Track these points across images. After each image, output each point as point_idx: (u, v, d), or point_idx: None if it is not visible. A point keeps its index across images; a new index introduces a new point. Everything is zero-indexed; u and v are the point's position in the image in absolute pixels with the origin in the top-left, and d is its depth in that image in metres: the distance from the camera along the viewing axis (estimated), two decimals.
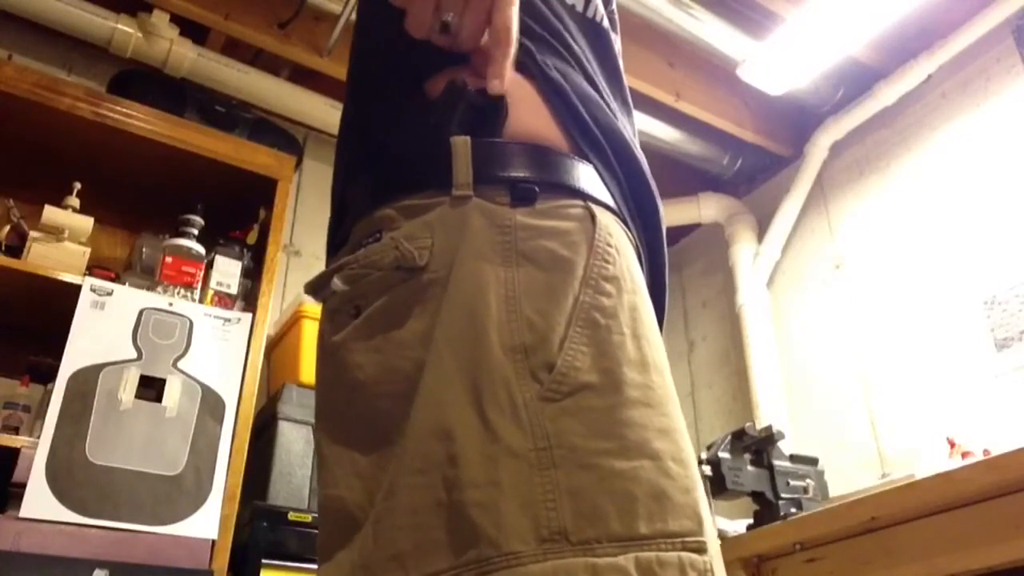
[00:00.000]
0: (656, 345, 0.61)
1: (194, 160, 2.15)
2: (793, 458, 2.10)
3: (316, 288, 0.66)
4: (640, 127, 2.84)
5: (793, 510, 1.96)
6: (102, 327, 1.84)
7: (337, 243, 0.71)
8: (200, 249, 2.10)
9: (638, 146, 0.74)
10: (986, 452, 1.82)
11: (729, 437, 2.05)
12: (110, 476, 1.70)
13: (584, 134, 0.68)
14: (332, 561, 0.58)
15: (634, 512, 0.51)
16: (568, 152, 0.66)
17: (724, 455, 2.00)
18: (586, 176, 0.65)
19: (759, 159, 3.15)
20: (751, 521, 2.02)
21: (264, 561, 1.79)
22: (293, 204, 2.80)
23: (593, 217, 0.63)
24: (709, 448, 2.04)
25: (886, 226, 2.65)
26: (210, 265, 2.11)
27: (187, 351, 1.90)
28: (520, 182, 0.62)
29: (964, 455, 1.95)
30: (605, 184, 0.67)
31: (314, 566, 1.47)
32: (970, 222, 2.39)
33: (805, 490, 2.04)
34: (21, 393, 1.92)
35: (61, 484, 1.65)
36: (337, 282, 0.63)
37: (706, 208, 3.18)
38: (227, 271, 2.13)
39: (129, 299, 1.91)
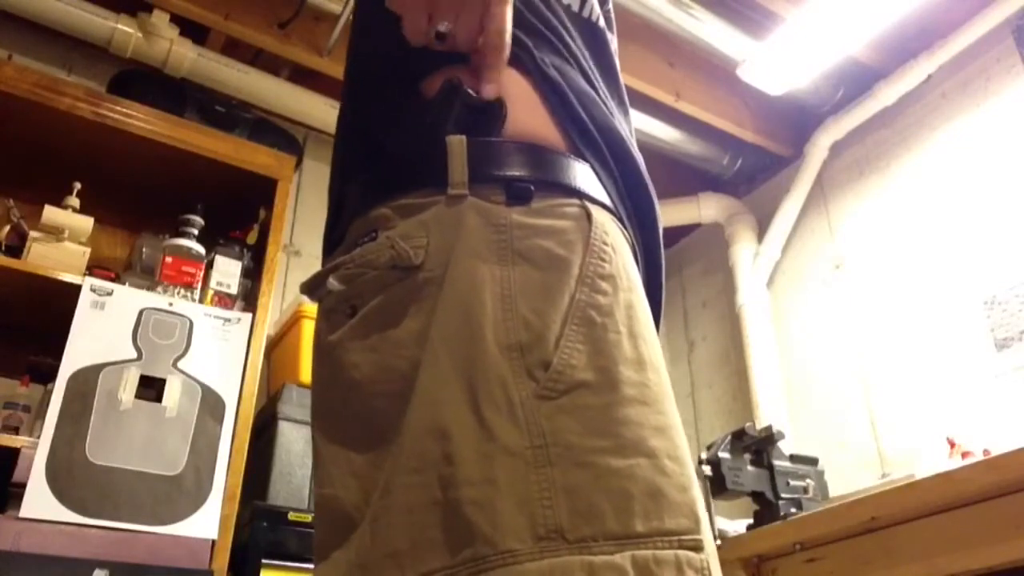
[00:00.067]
0: (652, 343, 0.61)
1: (194, 160, 2.15)
2: (793, 458, 2.10)
3: (312, 288, 0.66)
4: (640, 127, 2.85)
5: (793, 510, 1.96)
6: (102, 327, 1.84)
7: (334, 242, 0.71)
8: (200, 249, 2.10)
9: (635, 145, 0.74)
10: (986, 452, 1.82)
11: (729, 437, 2.05)
12: (110, 476, 1.70)
13: (581, 133, 0.68)
14: (329, 560, 0.58)
15: (630, 510, 0.51)
16: (564, 151, 0.66)
17: (724, 455, 2.00)
18: (582, 175, 0.65)
19: (759, 159, 3.15)
20: (751, 521, 2.02)
21: (264, 561, 1.79)
22: (293, 204, 2.80)
23: (589, 216, 0.63)
24: (709, 448, 2.04)
25: (886, 226, 2.65)
26: (210, 265, 2.11)
27: (187, 351, 1.90)
28: (516, 181, 0.62)
29: (964, 455, 1.95)
30: (601, 183, 0.67)
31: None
32: (970, 222, 2.39)
33: (805, 490, 2.04)
34: (21, 393, 1.92)
35: (61, 484, 1.65)
36: (333, 282, 0.63)
37: (706, 208, 3.18)
38: (227, 271, 2.13)
39: (129, 299, 1.91)
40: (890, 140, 2.74)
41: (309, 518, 1.87)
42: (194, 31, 2.50)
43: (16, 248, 1.95)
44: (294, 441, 2.05)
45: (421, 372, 0.56)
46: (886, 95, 2.68)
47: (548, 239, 0.60)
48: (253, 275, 2.19)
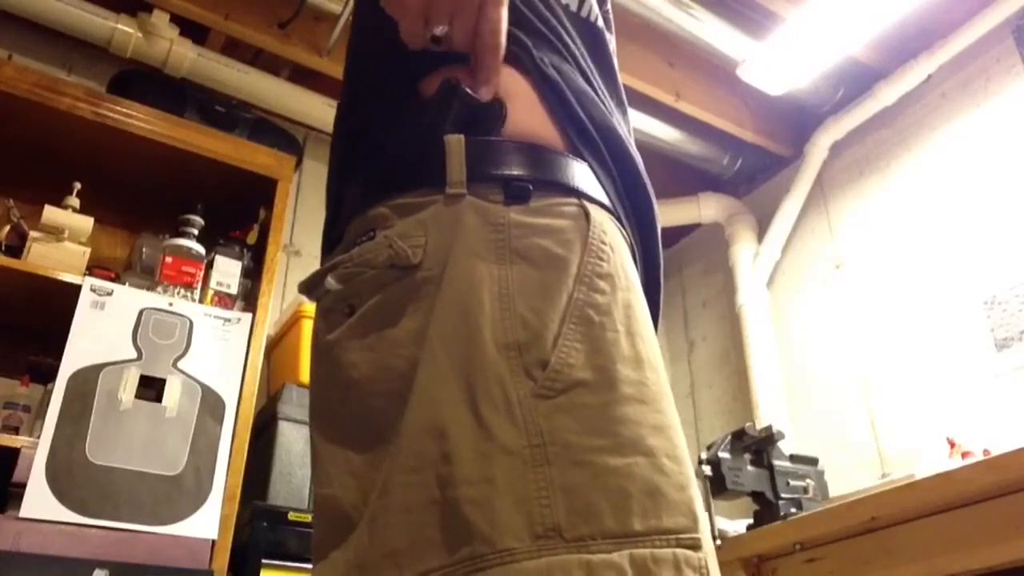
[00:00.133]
0: (650, 342, 0.61)
1: (194, 160, 2.15)
2: (793, 458, 2.10)
3: (310, 287, 0.66)
4: (640, 127, 2.85)
5: (793, 510, 1.96)
6: (102, 327, 1.84)
7: (332, 242, 0.72)
8: (200, 249, 2.10)
9: (633, 145, 0.74)
10: (986, 452, 1.82)
11: (729, 437, 2.05)
12: (110, 476, 1.70)
13: (579, 132, 0.68)
14: (327, 560, 0.58)
15: (628, 509, 0.51)
16: (562, 150, 0.66)
17: (724, 455, 2.00)
18: (580, 174, 0.65)
19: (759, 159, 3.15)
20: (751, 521, 2.02)
21: (264, 561, 1.79)
22: (293, 204, 2.80)
23: (587, 215, 0.63)
24: (709, 448, 2.04)
25: (886, 226, 2.65)
26: (210, 265, 2.11)
27: (187, 351, 1.90)
28: (514, 180, 0.62)
29: (964, 455, 1.95)
30: (600, 182, 0.67)
31: None
32: (970, 222, 2.39)
33: (805, 490, 2.04)
34: (21, 393, 1.92)
35: (61, 484, 1.65)
36: (331, 281, 0.63)
37: (706, 208, 3.18)
38: (227, 271, 2.13)
39: (129, 299, 1.91)
40: (890, 140, 2.74)
41: (309, 518, 1.86)
42: (194, 31, 2.50)
43: (16, 248, 1.95)
44: (294, 441, 2.05)
45: (419, 371, 0.56)
46: (886, 95, 2.68)
47: (546, 238, 0.60)
48: (253, 275, 2.19)
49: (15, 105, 1.97)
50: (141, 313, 1.90)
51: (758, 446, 2.06)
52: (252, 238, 2.27)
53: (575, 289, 0.59)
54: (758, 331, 2.87)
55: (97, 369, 1.79)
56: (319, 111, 2.70)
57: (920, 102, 2.65)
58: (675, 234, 3.48)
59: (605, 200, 0.66)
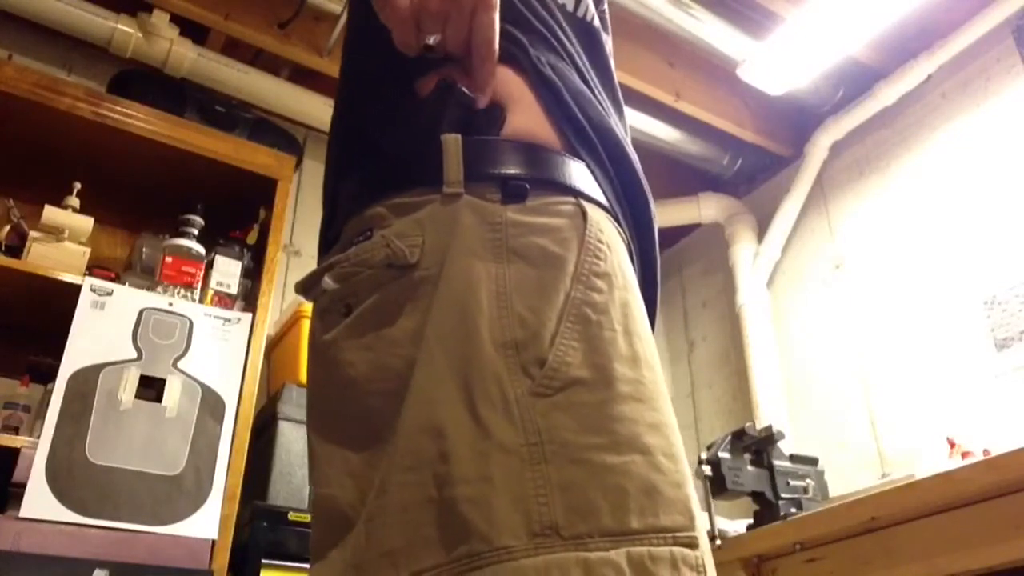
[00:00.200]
0: (647, 341, 0.62)
1: (194, 160, 2.15)
2: (793, 458, 2.10)
3: (307, 287, 0.66)
4: (640, 127, 2.85)
5: (793, 510, 1.96)
6: (102, 327, 1.84)
7: (329, 241, 0.72)
8: (200, 249, 2.10)
9: (630, 144, 0.74)
10: (986, 452, 1.82)
11: (729, 437, 2.05)
12: (110, 476, 1.70)
13: (576, 131, 0.68)
14: (325, 560, 0.58)
15: (625, 507, 0.51)
16: (560, 149, 0.66)
17: (724, 455, 2.00)
18: (578, 173, 0.65)
19: (759, 159, 3.15)
20: (751, 521, 2.02)
21: (264, 561, 1.79)
22: (293, 204, 2.80)
23: (584, 214, 0.63)
24: (709, 448, 2.04)
25: (886, 226, 2.65)
26: (210, 265, 2.11)
27: (187, 351, 1.90)
28: (511, 179, 0.62)
29: (964, 455, 1.95)
30: (597, 181, 0.67)
31: None
32: (970, 222, 2.39)
33: (805, 490, 2.04)
34: (21, 393, 1.92)
35: (61, 484, 1.65)
36: (328, 281, 0.63)
37: (706, 208, 3.18)
38: (227, 271, 2.13)
39: (129, 299, 1.91)
40: (890, 140, 2.74)
41: (309, 518, 1.86)
42: (194, 31, 2.50)
43: (16, 248, 1.95)
44: (294, 441, 2.04)
45: (416, 370, 0.56)
46: (886, 95, 2.68)
47: (543, 237, 0.60)
48: (253, 275, 2.19)
49: (15, 105, 1.97)
50: (141, 313, 1.90)
51: (758, 446, 2.06)
52: (252, 238, 2.27)
53: (572, 288, 0.59)
54: (758, 331, 2.87)
55: (97, 369, 1.79)
56: (319, 111, 2.70)
57: (920, 102, 2.65)
58: (675, 234, 3.48)
59: (602, 199, 0.66)
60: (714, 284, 3.30)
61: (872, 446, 2.48)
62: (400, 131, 0.67)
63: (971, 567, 1.45)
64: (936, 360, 2.37)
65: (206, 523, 1.75)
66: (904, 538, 1.58)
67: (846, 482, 2.29)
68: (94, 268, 2.01)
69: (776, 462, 2.04)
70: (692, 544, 0.53)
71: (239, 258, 2.16)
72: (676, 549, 0.52)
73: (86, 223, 1.99)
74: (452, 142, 0.62)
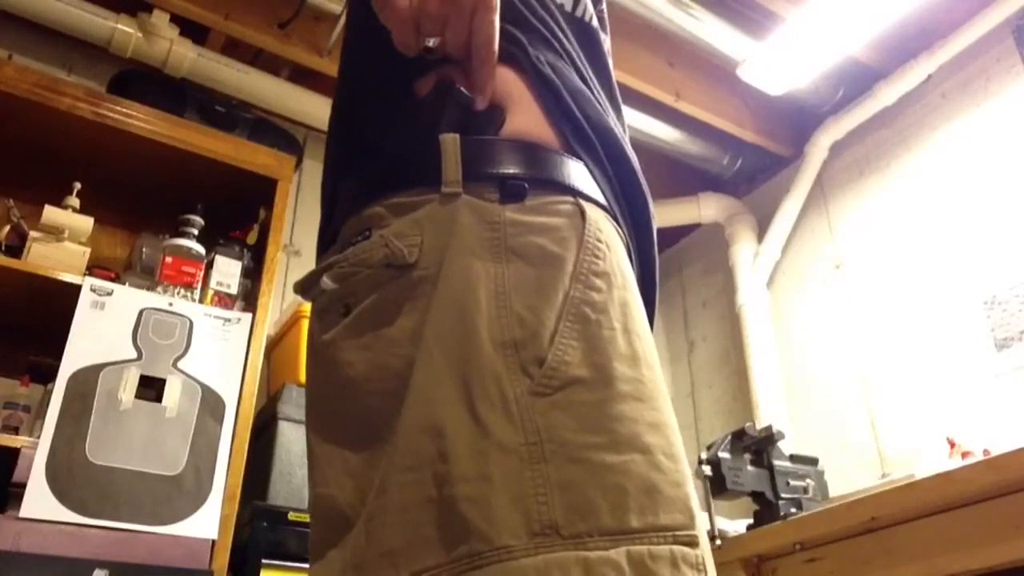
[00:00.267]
0: (646, 340, 0.62)
1: (194, 160, 2.15)
2: (793, 458, 2.10)
3: (305, 287, 0.66)
4: (640, 127, 2.85)
5: (793, 510, 1.96)
6: (102, 327, 1.84)
7: (327, 241, 0.72)
8: (200, 249, 2.10)
9: (628, 144, 0.74)
10: (986, 452, 1.82)
11: (729, 437, 2.05)
12: (110, 476, 1.70)
13: (575, 131, 0.68)
14: (324, 560, 0.58)
15: (625, 506, 0.51)
16: (558, 149, 0.66)
17: (724, 455, 2.00)
18: (576, 172, 0.65)
19: (759, 159, 3.15)
20: (751, 521, 2.02)
21: (264, 561, 1.79)
22: (293, 204, 2.80)
23: (583, 213, 0.63)
24: (709, 448, 2.04)
25: (886, 226, 2.65)
26: (210, 265, 2.11)
27: (187, 351, 1.90)
28: (509, 179, 0.62)
29: (964, 455, 1.95)
30: (595, 180, 0.67)
31: None
32: (970, 222, 2.39)
33: (805, 490, 2.04)
34: (21, 393, 1.92)
35: (61, 484, 1.65)
36: (326, 281, 0.63)
37: (706, 208, 3.18)
38: (227, 271, 2.13)
39: (129, 299, 1.91)
40: (890, 140, 2.74)
41: (309, 518, 1.86)
42: (194, 31, 2.50)
43: (16, 248, 1.95)
44: (294, 441, 2.04)
45: (415, 370, 0.56)
46: (886, 95, 2.68)
47: (542, 236, 0.60)
48: (253, 275, 2.19)
49: (15, 105, 1.97)
50: (141, 313, 1.90)
51: (758, 446, 2.06)
52: (252, 238, 2.27)
53: (571, 287, 0.59)
54: (758, 331, 2.87)
55: (97, 369, 1.79)
56: (319, 111, 2.70)
57: (920, 102, 2.65)
58: (675, 234, 3.48)
59: (601, 198, 0.66)
60: (714, 284, 3.30)
61: (872, 446, 2.48)
62: (399, 131, 0.67)
63: (971, 567, 1.45)
64: (936, 360, 2.37)
65: (206, 523, 1.75)
66: (904, 538, 1.58)
67: (846, 482, 2.29)
68: (94, 268, 2.01)
69: (776, 462, 2.04)
70: (692, 543, 0.53)
71: (239, 258, 2.16)
72: (676, 548, 0.52)
73: (86, 223, 1.99)
74: (450, 142, 0.62)
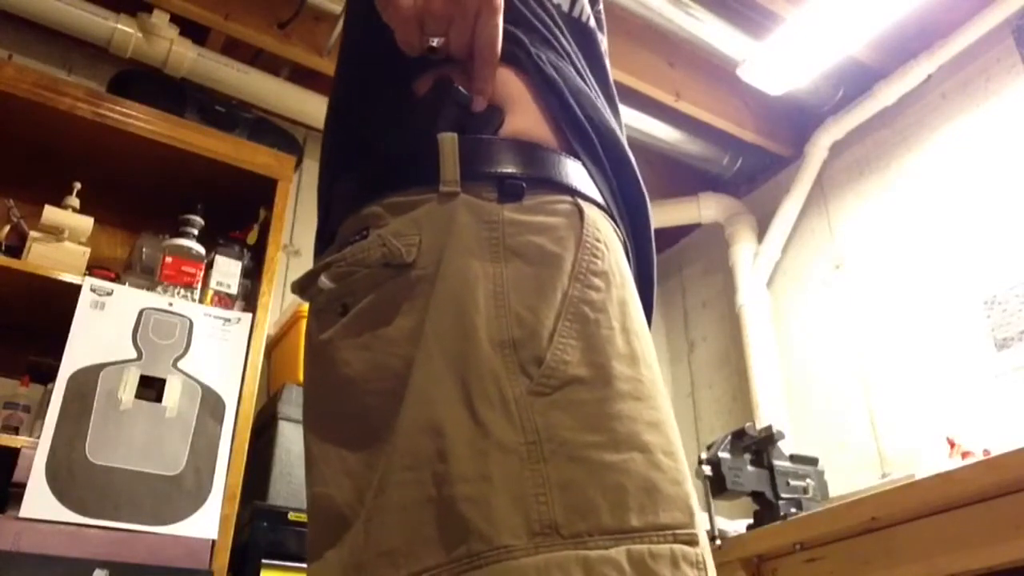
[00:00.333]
0: (645, 339, 0.62)
1: (194, 160, 2.15)
2: (793, 458, 2.10)
3: (303, 287, 0.66)
4: (640, 127, 2.85)
5: (793, 510, 1.96)
6: (102, 327, 1.84)
7: (324, 241, 0.71)
8: (200, 249, 2.10)
9: (626, 144, 0.75)
10: (986, 452, 1.82)
11: (729, 437, 2.05)
12: (110, 476, 1.70)
13: (575, 131, 0.68)
14: (322, 559, 0.58)
15: (625, 505, 0.51)
16: (556, 148, 0.66)
17: (724, 455, 2.00)
18: (574, 172, 0.65)
19: (759, 159, 3.15)
20: (751, 521, 2.02)
21: (264, 561, 1.79)
22: (293, 204, 2.80)
23: (581, 213, 0.63)
24: (709, 448, 2.04)
25: (886, 226, 2.65)
26: (210, 265, 2.11)
27: (187, 351, 1.90)
28: (507, 178, 0.62)
29: (964, 455, 1.95)
30: (593, 180, 0.67)
31: None
32: (970, 222, 2.39)
33: (805, 490, 2.04)
34: (21, 393, 1.92)
35: (61, 484, 1.65)
36: (324, 280, 0.63)
37: (706, 208, 3.18)
38: (227, 271, 2.13)
39: (129, 299, 1.91)
40: (890, 140, 2.74)
41: (307, 518, 1.86)
42: (194, 31, 2.50)
43: (16, 248, 1.95)
44: (294, 441, 2.04)
45: (414, 370, 0.56)
46: (886, 95, 2.68)
47: (540, 235, 0.60)
48: (253, 275, 2.19)
49: (15, 105, 1.97)
50: (141, 313, 1.90)
51: (758, 446, 2.06)
52: (252, 238, 2.27)
53: (570, 286, 0.59)
54: (758, 331, 2.87)
55: (97, 369, 1.79)
56: (319, 111, 2.70)
57: (920, 102, 2.65)
58: (675, 234, 3.48)
59: (599, 198, 0.66)
60: (714, 284, 3.30)
61: (872, 446, 2.48)
62: (397, 131, 0.67)
63: (971, 567, 1.45)
64: (936, 360, 2.37)
65: (206, 523, 1.75)
66: (904, 538, 1.58)
67: (846, 482, 2.29)
68: (94, 268, 2.01)
69: (776, 462, 2.04)
70: (692, 541, 0.53)
71: (239, 258, 2.16)
72: (676, 546, 0.52)
73: (86, 223, 1.99)
74: (448, 141, 0.62)
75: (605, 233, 0.64)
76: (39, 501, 1.62)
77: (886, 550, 1.60)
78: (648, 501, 0.52)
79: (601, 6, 0.87)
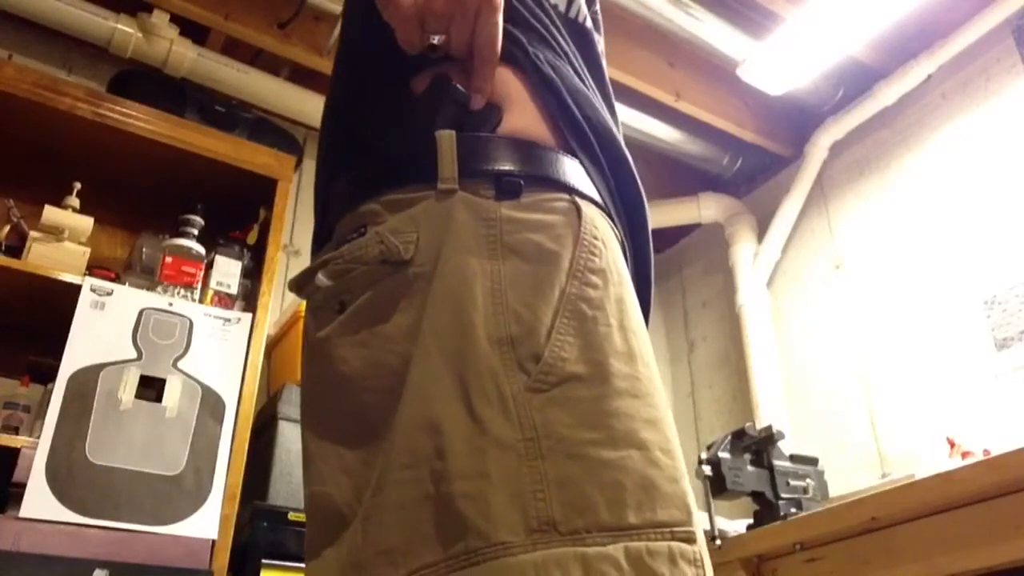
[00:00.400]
0: (642, 337, 0.62)
1: (194, 160, 2.15)
2: (793, 458, 2.10)
3: (300, 285, 0.66)
4: (640, 127, 2.85)
5: (793, 510, 1.96)
6: (102, 327, 1.84)
7: (321, 239, 0.71)
8: (200, 249, 2.10)
9: (624, 143, 0.75)
10: (986, 452, 1.82)
11: (729, 437, 2.05)
12: (110, 476, 1.70)
13: (573, 130, 0.68)
14: (320, 558, 0.58)
15: (623, 502, 0.51)
16: (554, 147, 0.66)
17: (724, 455, 2.00)
18: (572, 170, 0.65)
19: (759, 159, 3.15)
20: (751, 521, 2.02)
21: (264, 561, 1.79)
22: (293, 204, 2.80)
23: (579, 210, 0.63)
24: (709, 448, 2.04)
25: (886, 226, 2.65)
26: (210, 265, 2.11)
27: (187, 351, 1.90)
28: (505, 175, 0.62)
29: (964, 455, 1.95)
30: (591, 179, 0.67)
31: None
32: (970, 222, 2.39)
33: (805, 490, 2.04)
34: (21, 393, 1.92)
35: (61, 484, 1.65)
36: (321, 278, 0.63)
37: (706, 208, 3.18)
38: (227, 271, 2.13)
39: (129, 299, 1.91)
40: (890, 140, 2.74)
41: (305, 516, 1.86)
42: (194, 31, 2.50)
43: (16, 248, 1.95)
44: (294, 441, 2.04)
45: (412, 367, 0.56)
46: (886, 95, 2.68)
47: (538, 233, 0.60)
48: (253, 275, 2.19)
49: (15, 105, 1.97)
50: (141, 313, 1.90)
51: (758, 446, 2.06)
52: (252, 238, 2.27)
53: (567, 284, 0.59)
54: (758, 331, 2.87)
55: (97, 369, 1.79)
56: (319, 111, 2.66)
57: (920, 102, 2.65)
58: (675, 234, 3.48)
59: (597, 196, 0.67)
60: (714, 284, 3.30)
61: (872, 446, 2.48)
62: (394, 128, 0.68)
63: (971, 567, 1.45)
64: (936, 360, 2.37)
65: (206, 523, 1.75)
66: (904, 538, 1.58)
67: (846, 482, 2.29)
68: (94, 268, 2.01)
69: (776, 462, 2.04)
70: (690, 539, 0.53)
71: (239, 258, 2.16)
72: (674, 544, 0.52)
73: (86, 223, 1.99)
74: (446, 138, 0.63)
75: (603, 231, 0.64)
76: (39, 501, 1.62)
77: (886, 550, 1.60)
78: (646, 498, 0.52)
79: (598, 7, 0.87)
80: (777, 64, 2.59)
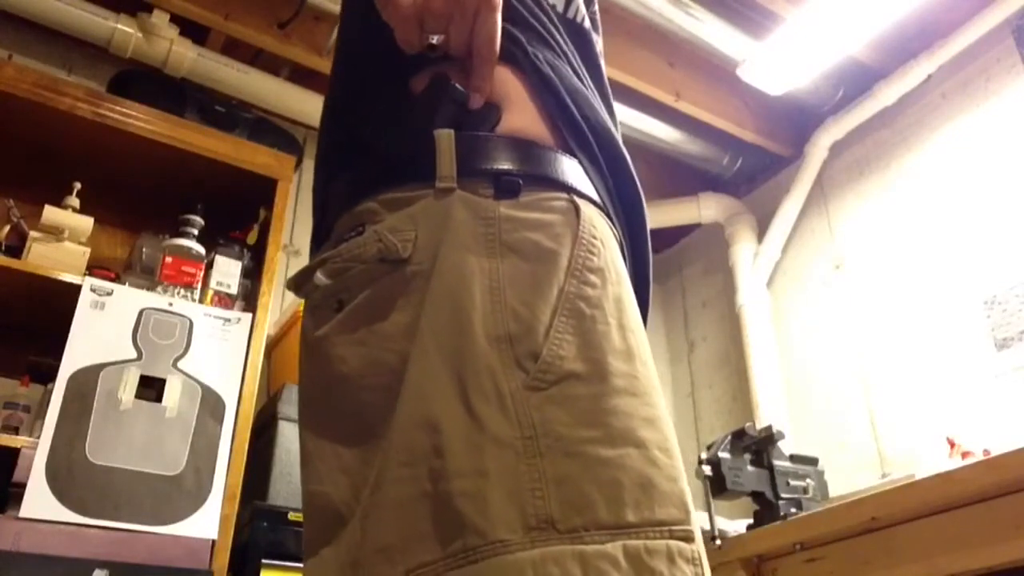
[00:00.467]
0: (640, 336, 0.62)
1: (194, 160, 2.15)
2: (793, 458, 2.10)
3: (298, 284, 0.66)
4: (640, 127, 2.85)
5: (793, 510, 1.96)
6: (102, 327, 1.84)
7: (320, 238, 0.71)
8: (200, 249, 2.10)
9: (622, 143, 0.75)
10: (986, 452, 1.82)
11: (729, 437, 2.05)
12: (110, 476, 1.70)
13: (572, 129, 0.68)
14: (318, 557, 0.58)
15: (621, 500, 0.51)
16: (553, 146, 0.66)
17: (724, 455, 2.00)
18: (571, 169, 0.66)
19: (759, 159, 3.15)
20: (751, 521, 2.02)
21: (264, 561, 1.79)
22: (293, 204, 2.80)
23: (577, 210, 0.63)
24: (709, 448, 2.04)
25: (886, 226, 2.65)
26: (210, 265, 2.11)
27: (187, 351, 1.90)
28: (504, 175, 0.62)
29: (964, 455, 1.95)
30: (590, 178, 0.67)
31: None
32: (970, 222, 2.38)
33: (805, 490, 2.04)
34: (21, 393, 1.92)
35: (61, 484, 1.65)
36: (320, 276, 0.63)
37: (706, 208, 3.18)
38: (227, 271, 2.13)
39: (129, 299, 1.91)
40: (890, 140, 2.74)
41: (302, 515, 1.86)
42: (194, 31, 2.50)
43: (16, 248, 1.95)
44: (294, 441, 2.04)
45: (410, 365, 0.56)
46: (886, 95, 2.68)
47: (536, 232, 0.60)
48: (253, 275, 2.19)
49: (15, 105, 1.97)
50: (141, 313, 1.90)
51: (758, 446, 2.06)
52: (252, 238, 2.27)
53: (566, 282, 0.59)
54: (758, 331, 2.87)
55: (97, 369, 1.79)
56: (319, 111, 2.68)
57: (920, 102, 2.65)
58: (675, 234, 3.48)
59: (595, 196, 0.67)
60: (714, 284, 3.30)
61: (872, 446, 2.48)
62: (393, 128, 0.68)
63: (971, 567, 1.45)
64: (936, 360, 2.37)
65: (206, 523, 1.75)
66: (904, 538, 1.58)
67: (846, 482, 2.29)
68: (94, 268, 2.01)
69: (776, 462, 2.04)
70: (688, 537, 0.53)
71: (239, 258, 2.16)
72: (672, 542, 0.52)
73: (86, 223, 1.99)
74: (445, 137, 0.63)
75: (601, 230, 0.64)
76: (39, 501, 1.62)
77: (886, 550, 1.60)
78: (644, 497, 0.52)
79: (596, 7, 0.87)
80: (777, 64, 2.59)
